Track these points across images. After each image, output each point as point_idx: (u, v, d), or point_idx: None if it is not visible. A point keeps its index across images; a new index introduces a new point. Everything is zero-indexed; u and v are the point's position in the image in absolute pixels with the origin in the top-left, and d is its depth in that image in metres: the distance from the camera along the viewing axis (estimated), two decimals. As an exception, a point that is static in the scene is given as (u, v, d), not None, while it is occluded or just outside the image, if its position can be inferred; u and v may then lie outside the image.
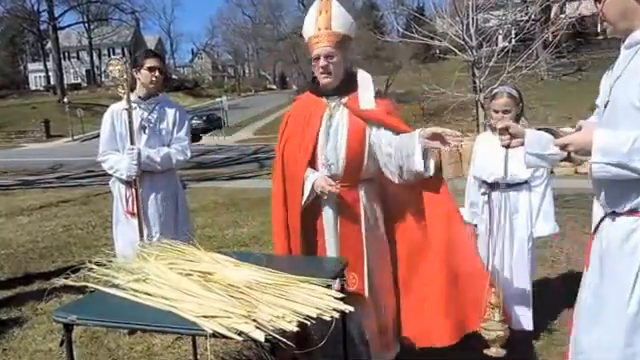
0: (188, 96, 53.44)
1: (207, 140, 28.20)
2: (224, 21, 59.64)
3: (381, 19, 41.44)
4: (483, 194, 3.05)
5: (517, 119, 2.98)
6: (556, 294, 3.51)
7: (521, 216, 2.96)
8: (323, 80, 2.52)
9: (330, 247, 2.56)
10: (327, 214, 2.56)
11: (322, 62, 2.47)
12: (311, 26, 2.50)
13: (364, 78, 2.55)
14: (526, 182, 2.94)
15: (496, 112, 2.97)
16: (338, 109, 2.54)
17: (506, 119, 2.94)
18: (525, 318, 2.98)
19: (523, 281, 2.98)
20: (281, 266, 2.04)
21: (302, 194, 2.51)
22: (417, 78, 23.65)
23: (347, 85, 2.54)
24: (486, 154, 3.06)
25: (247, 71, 67.30)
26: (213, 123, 35.09)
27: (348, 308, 1.79)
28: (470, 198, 3.18)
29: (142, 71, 3.28)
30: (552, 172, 5.41)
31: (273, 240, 2.71)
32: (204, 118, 35.94)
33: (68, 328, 1.84)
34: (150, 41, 60.88)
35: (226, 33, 60.59)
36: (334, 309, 1.74)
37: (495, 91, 3.06)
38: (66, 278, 2.06)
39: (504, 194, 2.97)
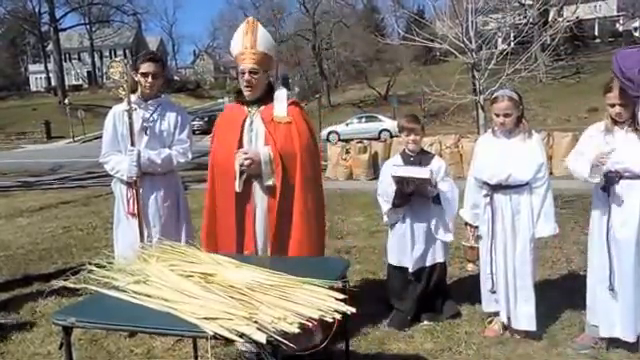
0: (190, 97, 53.52)
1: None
2: (226, 23, 59.49)
3: (382, 22, 41.52)
4: (485, 196, 3.05)
5: (518, 121, 2.98)
6: (556, 294, 3.51)
7: (523, 217, 2.96)
8: (246, 92, 2.90)
9: (259, 229, 2.87)
10: (257, 203, 2.88)
11: (247, 77, 2.86)
12: (238, 44, 2.89)
13: (279, 93, 2.96)
14: (527, 184, 2.94)
15: (497, 116, 2.97)
16: (257, 117, 2.91)
17: (507, 122, 2.95)
18: (528, 318, 2.98)
19: (526, 282, 2.98)
20: (282, 267, 2.04)
21: (236, 179, 2.84)
22: (418, 80, 23.69)
23: (266, 97, 2.93)
24: (487, 156, 3.06)
25: (248, 73, 67.24)
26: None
27: (349, 309, 1.79)
28: (471, 200, 3.18)
29: (138, 75, 3.30)
30: (551, 173, 5.41)
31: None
32: (206, 119, 35.97)
33: (67, 331, 1.82)
34: (152, 42, 60.94)
35: (228, 35, 60.63)
36: (335, 310, 1.74)
37: (495, 95, 3.05)
38: (66, 280, 2.05)
39: (506, 196, 2.97)
